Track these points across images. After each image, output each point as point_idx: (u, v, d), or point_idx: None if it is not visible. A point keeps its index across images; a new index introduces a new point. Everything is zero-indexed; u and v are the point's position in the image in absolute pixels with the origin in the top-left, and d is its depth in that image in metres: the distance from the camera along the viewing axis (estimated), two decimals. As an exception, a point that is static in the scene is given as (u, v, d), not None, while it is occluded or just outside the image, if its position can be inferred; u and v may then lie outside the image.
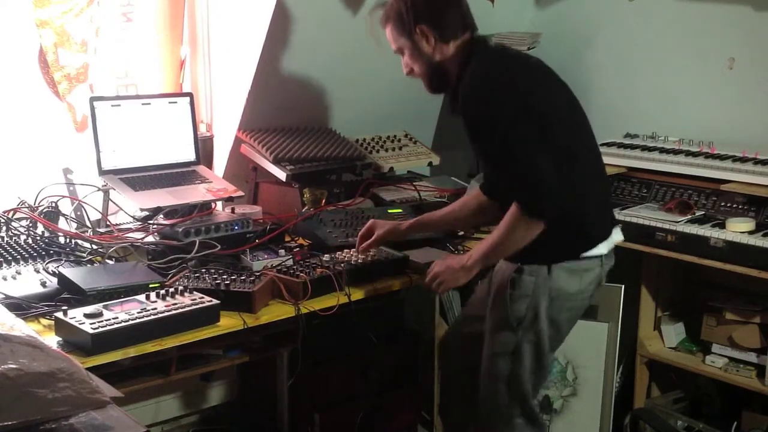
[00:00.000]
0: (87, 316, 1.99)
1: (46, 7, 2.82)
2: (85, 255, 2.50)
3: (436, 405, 3.24)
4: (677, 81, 3.45)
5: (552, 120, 2.22)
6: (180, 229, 2.57)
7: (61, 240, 2.59)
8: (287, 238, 2.84)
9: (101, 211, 2.75)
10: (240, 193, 2.91)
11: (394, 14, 2.34)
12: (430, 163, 3.56)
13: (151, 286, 2.25)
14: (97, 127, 2.78)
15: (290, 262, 2.51)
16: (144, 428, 1.34)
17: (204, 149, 3.09)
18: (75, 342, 1.97)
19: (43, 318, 2.11)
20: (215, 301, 2.17)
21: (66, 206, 2.74)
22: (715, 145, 3.14)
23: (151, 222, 2.68)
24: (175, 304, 2.12)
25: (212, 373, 2.66)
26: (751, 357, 2.98)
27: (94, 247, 2.56)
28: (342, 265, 2.49)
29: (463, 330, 2.66)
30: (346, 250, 2.62)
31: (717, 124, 3.30)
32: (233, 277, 2.32)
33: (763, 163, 2.94)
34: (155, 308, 2.08)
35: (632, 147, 3.31)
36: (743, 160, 3.00)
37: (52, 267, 2.36)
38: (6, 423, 1.24)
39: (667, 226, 2.93)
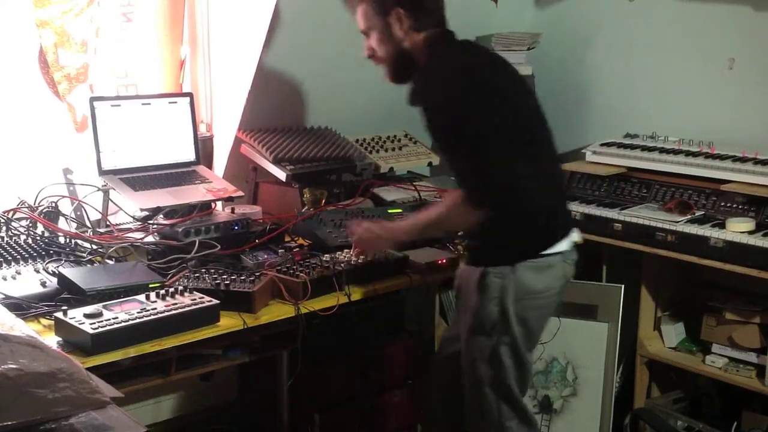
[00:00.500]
0: (87, 316, 1.99)
1: (46, 7, 2.81)
2: (85, 255, 2.50)
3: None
4: (677, 81, 3.46)
5: (507, 116, 2.20)
6: (180, 229, 2.57)
7: (61, 240, 2.58)
8: (287, 238, 2.84)
9: (101, 211, 2.75)
10: (240, 193, 2.91)
11: None
12: (430, 163, 3.55)
13: (151, 286, 2.25)
14: (97, 127, 2.78)
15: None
16: (144, 428, 1.34)
17: (204, 149, 3.08)
18: (75, 342, 1.97)
19: (43, 318, 2.11)
20: (215, 301, 2.17)
21: (66, 206, 2.74)
22: (715, 145, 3.15)
23: (151, 222, 2.68)
24: (175, 304, 2.12)
25: (212, 373, 2.66)
26: (751, 357, 2.99)
27: (94, 247, 2.56)
28: (342, 265, 2.49)
29: (443, 353, 2.58)
30: (346, 250, 2.62)
31: (717, 124, 3.31)
32: (233, 277, 2.32)
33: (763, 163, 2.94)
34: (155, 308, 2.08)
35: (632, 147, 3.31)
36: (743, 160, 3.00)
37: (52, 267, 2.36)
38: (6, 423, 1.24)
39: (667, 226, 2.93)
